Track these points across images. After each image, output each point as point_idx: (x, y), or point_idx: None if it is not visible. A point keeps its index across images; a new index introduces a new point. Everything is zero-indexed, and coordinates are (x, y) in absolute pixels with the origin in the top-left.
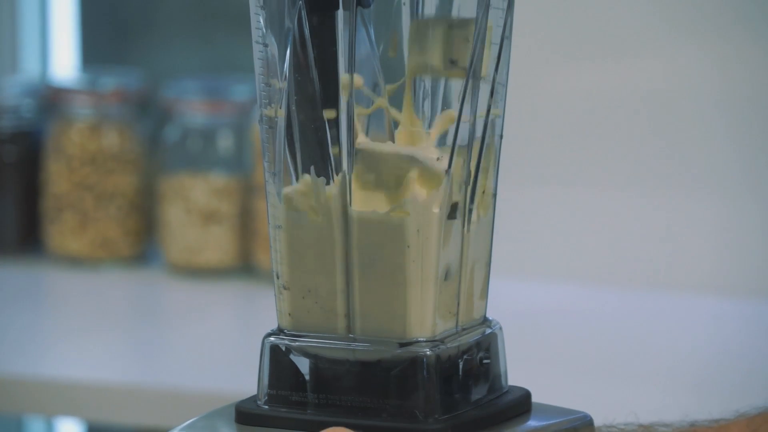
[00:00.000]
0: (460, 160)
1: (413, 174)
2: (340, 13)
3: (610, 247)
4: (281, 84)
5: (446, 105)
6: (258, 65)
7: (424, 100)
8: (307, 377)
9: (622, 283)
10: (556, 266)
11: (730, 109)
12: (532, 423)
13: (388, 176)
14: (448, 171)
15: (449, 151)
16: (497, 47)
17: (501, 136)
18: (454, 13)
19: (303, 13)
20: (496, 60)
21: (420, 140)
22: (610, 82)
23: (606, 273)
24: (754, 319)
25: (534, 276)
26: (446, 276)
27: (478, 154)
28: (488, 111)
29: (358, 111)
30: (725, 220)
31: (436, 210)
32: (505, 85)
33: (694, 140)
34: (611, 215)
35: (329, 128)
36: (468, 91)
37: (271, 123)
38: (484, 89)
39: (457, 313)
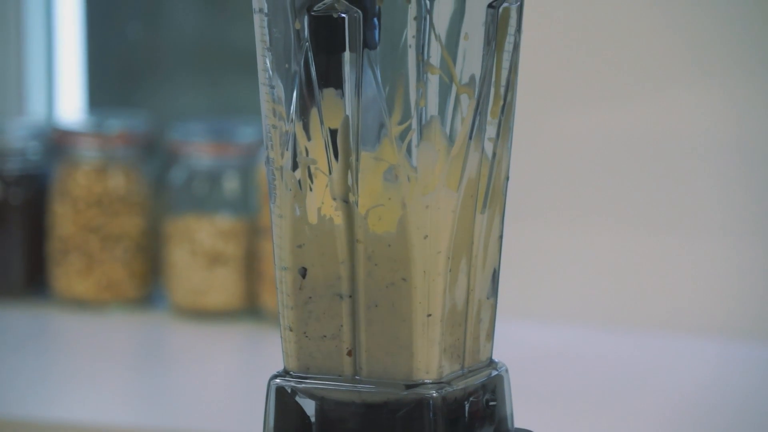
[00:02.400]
0: (466, 201)
1: (419, 215)
2: (347, 55)
3: (617, 289)
4: (288, 126)
5: (452, 147)
6: (264, 107)
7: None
8: (312, 419)
9: (628, 325)
10: (562, 308)
11: (737, 153)
12: None
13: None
14: (454, 213)
15: (455, 193)
16: (503, 89)
17: (507, 178)
18: (460, 54)
19: (310, 55)
20: (502, 102)
21: (425, 182)
22: (618, 125)
23: (612, 315)
24: (761, 362)
25: (540, 318)
26: (452, 317)
27: (484, 195)
28: (494, 153)
29: (365, 154)
30: (733, 263)
31: (441, 251)
32: (512, 128)
33: (701, 183)
34: (618, 257)
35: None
36: (474, 133)
37: (277, 164)
38: (491, 131)
39: (463, 355)
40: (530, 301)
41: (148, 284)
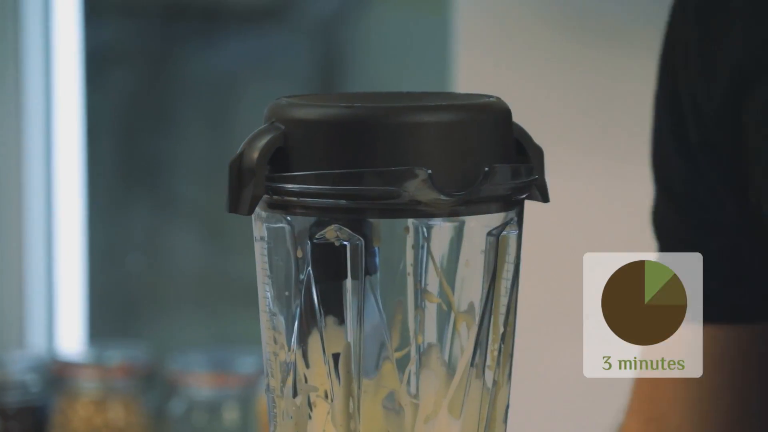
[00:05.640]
0: (468, 430)
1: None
2: (349, 282)
3: None
4: (288, 353)
5: (453, 375)
6: (265, 335)
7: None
8: None
9: None
10: None
11: None
12: None
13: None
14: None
15: (457, 421)
16: (503, 316)
17: (508, 406)
18: (459, 281)
19: (311, 283)
20: (502, 329)
21: (426, 410)
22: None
23: None
24: None
25: None
26: None
27: (485, 424)
28: (495, 381)
29: (366, 381)
30: None
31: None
32: (511, 355)
33: None
34: None
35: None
36: (474, 360)
37: (277, 392)
38: (491, 359)
39: None
40: None
41: None
